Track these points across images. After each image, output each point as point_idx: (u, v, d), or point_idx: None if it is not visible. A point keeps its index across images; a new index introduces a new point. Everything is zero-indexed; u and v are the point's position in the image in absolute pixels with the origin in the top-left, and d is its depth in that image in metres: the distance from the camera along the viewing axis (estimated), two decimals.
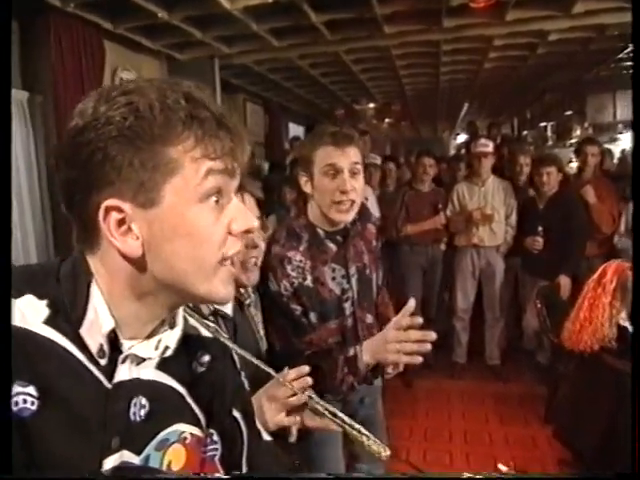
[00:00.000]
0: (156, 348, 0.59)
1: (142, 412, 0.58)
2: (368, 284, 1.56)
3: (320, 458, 1.52)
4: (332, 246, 1.48)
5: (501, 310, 3.62)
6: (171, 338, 0.61)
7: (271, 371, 0.78)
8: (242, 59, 3.89)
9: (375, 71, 4.69)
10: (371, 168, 3.90)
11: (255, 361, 0.79)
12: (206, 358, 0.68)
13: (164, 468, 0.60)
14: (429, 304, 3.72)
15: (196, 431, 0.65)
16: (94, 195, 0.52)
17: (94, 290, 0.56)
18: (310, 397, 0.77)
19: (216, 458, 0.68)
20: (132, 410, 0.57)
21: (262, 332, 1.31)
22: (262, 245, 1.19)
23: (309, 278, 1.43)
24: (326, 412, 0.76)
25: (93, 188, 0.52)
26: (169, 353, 0.61)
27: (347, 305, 1.49)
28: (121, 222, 0.53)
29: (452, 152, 8.72)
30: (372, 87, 5.49)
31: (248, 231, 0.59)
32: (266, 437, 0.79)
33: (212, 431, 0.68)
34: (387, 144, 11.15)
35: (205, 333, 0.70)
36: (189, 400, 0.64)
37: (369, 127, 8.29)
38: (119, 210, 0.52)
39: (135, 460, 0.58)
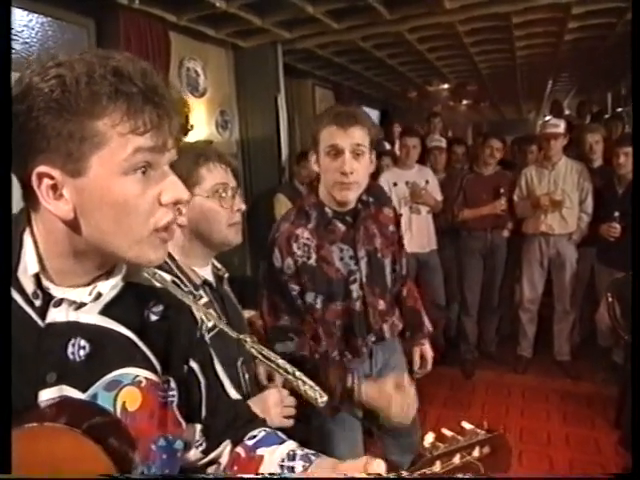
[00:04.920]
0: (90, 294, 0.64)
1: (81, 352, 0.63)
2: (379, 269, 1.53)
3: (337, 437, 1.53)
4: (341, 226, 1.48)
5: (572, 303, 3.37)
6: (105, 285, 0.65)
7: (233, 333, 0.80)
8: (304, 43, 3.88)
9: (443, 50, 4.46)
10: (435, 151, 3.77)
11: (221, 325, 0.81)
12: (159, 308, 0.72)
13: (118, 408, 0.65)
14: (490, 292, 3.55)
15: (151, 376, 0.69)
16: (29, 161, 0.56)
17: (26, 239, 0.62)
18: (245, 341, 0.78)
19: (174, 405, 0.72)
20: (70, 350, 0.62)
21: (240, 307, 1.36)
22: (242, 206, 1.23)
23: (313, 257, 1.43)
24: (260, 356, 0.77)
25: (28, 154, 0.56)
26: (107, 299, 0.65)
27: (354, 287, 1.47)
28: (54, 187, 0.57)
29: None
30: (443, 67, 5.24)
31: (178, 202, 0.61)
32: (234, 395, 0.85)
33: (169, 378, 0.72)
34: (469, 127, 10.64)
35: (159, 285, 0.74)
36: (142, 346, 0.69)
37: (445, 109, 7.97)
38: (50, 177, 0.56)
39: (81, 396, 0.62)
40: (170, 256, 1.18)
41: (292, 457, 0.74)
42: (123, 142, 0.56)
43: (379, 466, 0.65)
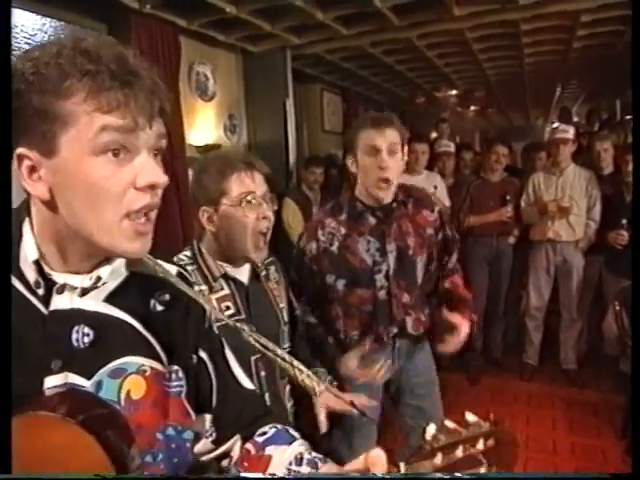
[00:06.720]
0: (90, 279, 0.64)
1: (86, 339, 0.63)
2: (409, 265, 1.62)
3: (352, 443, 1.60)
4: (372, 220, 1.60)
5: (579, 311, 3.35)
6: (104, 270, 0.65)
7: (244, 328, 0.81)
8: (313, 49, 3.90)
9: (452, 56, 4.47)
10: (444, 157, 3.77)
11: (218, 314, 0.82)
12: (166, 297, 0.72)
13: (123, 396, 0.65)
14: (496, 299, 3.54)
15: (156, 365, 0.69)
16: (14, 142, 0.58)
17: (25, 228, 0.63)
18: (243, 329, 0.78)
19: (183, 395, 0.72)
20: (74, 337, 0.63)
21: (282, 305, 1.37)
22: (271, 217, 1.24)
23: (336, 245, 1.58)
24: (257, 344, 0.77)
25: (14, 136, 0.57)
26: (112, 287, 0.66)
27: (379, 277, 1.58)
28: (33, 169, 0.58)
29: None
30: (451, 73, 5.25)
31: (154, 186, 0.60)
32: (248, 385, 0.83)
33: (176, 368, 0.71)
34: (476, 133, 10.62)
35: (166, 275, 0.73)
36: (147, 335, 0.68)
37: (453, 115, 7.97)
38: (29, 158, 0.57)
39: (86, 384, 0.63)
40: (199, 249, 1.25)
41: (299, 461, 0.73)
42: (89, 120, 0.56)
43: (380, 458, 0.63)
